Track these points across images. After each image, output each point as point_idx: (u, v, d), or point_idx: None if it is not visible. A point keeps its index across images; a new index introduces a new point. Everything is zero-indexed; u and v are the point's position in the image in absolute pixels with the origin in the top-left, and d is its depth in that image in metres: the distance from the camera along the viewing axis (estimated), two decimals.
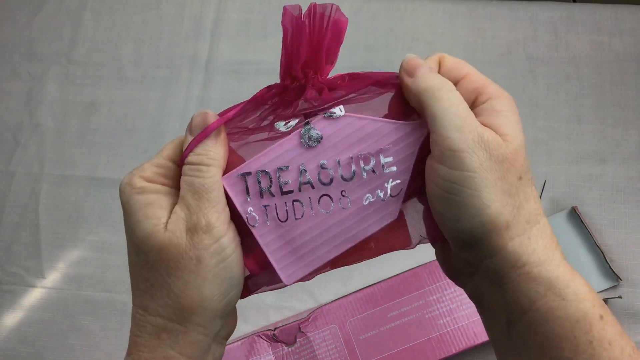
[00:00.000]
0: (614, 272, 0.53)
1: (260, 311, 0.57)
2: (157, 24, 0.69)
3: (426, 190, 0.29)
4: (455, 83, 0.30)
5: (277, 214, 0.30)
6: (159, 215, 0.29)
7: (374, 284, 0.54)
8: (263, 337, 0.53)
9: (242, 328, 0.56)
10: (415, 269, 0.54)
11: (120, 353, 0.57)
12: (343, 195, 0.31)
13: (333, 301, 0.54)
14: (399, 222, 0.32)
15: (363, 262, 0.32)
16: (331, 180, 0.30)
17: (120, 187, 0.30)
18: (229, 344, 0.54)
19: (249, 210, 0.30)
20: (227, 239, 0.29)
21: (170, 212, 0.29)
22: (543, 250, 0.28)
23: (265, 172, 0.30)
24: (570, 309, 0.27)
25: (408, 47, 0.65)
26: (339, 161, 0.30)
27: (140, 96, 0.66)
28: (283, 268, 0.31)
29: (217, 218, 0.29)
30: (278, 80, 0.32)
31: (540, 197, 0.56)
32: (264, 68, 0.65)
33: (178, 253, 0.28)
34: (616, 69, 0.61)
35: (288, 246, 0.31)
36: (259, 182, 0.30)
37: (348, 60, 0.65)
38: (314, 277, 0.32)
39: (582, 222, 0.54)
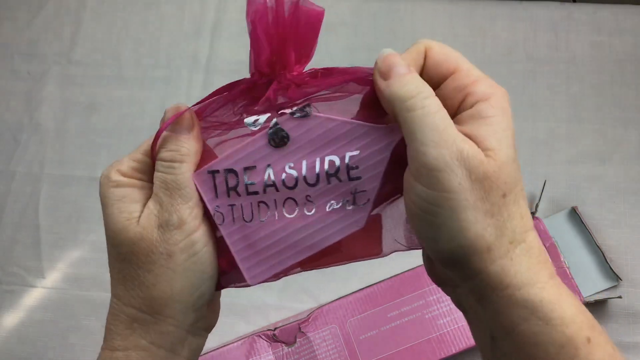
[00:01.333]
0: (614, 272, 0.53)
1: (260, 311, 0.57)
2: (157, 24, 0.69)
3: (404, 205, 0.28)
4: (443, 79, 0.28)
5: (242, 214, 0.30)
6: (132, 210, 0.29)
7: (374, 284, 0.54)
8: (263, 337, 0.53)
9: (242, 328, 0.56)
10: (415, 269, 0.54)
11: None
12: (308, 200, 0.29)
13: (333, 301, 0.54)
14: (370, 230, 0.30)
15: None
16: (296, 184, 0.29)
17: (100, 180, 0.30)
18: (229, 344, 0.54)
19: (216, 207, 0.30)
20: (198, 234, 0.29)
21: (144, 206, 0.30)
22: (526, 271, 0.26)
23: (233, 171, 0.30)
24: (555, 334, 0.25)
25: (408, 47, 0.65)
26: (305, 164, 0.29)
27: (140, 96, 0.66)
28: (248, 268, 0.31)
29: (189, 214, 0.29)
30: None
31: (540, 197, 0.56)
32: None
33: (148, 248, 0.29)
34: (616, 69, 0.61)
35: (253, 247, 0.30)
36: (227, 181, 0.30)
37: (348, 60, 0.65)
38: (281, 278, 0.31)
39: (582, 222, 0.54)
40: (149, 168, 0.31)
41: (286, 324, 0.54)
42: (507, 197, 0.26)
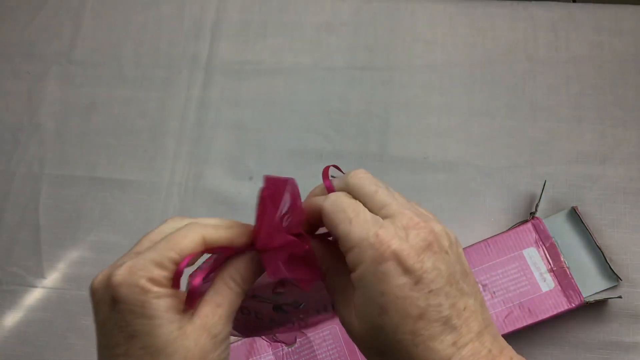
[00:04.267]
0: (614, 272, 0.53)
1: None
2: (157, 24, 0.69)
3: None
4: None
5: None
6: (179, 319, 0.29)
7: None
8: (263, 337, 0.53)
9: None
10: None
11: None
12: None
13: None
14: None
15: None
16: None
17: (122, 289, 0.28)
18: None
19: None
20: (228, 342, 0.31)
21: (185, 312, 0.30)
22: None
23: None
24: None
25: (408, 47, 0.65)
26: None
27: (140, 96, 0.66)
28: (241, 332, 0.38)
29: (229, 328, 0.31)
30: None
31: (540, 197, 0.56)
32: (264, 68, 0.65)
33: (201, 356, 0.29)
34: (616, 69, 0.61)
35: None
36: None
37: (348, 60, 0.65)
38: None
39: (582, 222, 0.54)
40: (176, 275, 0.30)
41: None
42: (385, 354, 0.28)
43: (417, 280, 0.27)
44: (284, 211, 0.30)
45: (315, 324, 0.37)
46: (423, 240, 0.27)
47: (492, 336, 0.28)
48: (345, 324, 0.30)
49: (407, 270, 0.26)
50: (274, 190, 0.30)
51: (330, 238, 0.33)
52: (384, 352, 0.28)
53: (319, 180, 0.32)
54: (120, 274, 0.28)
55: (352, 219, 0.28)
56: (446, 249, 0.28)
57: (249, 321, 0.36)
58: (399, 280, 0.26)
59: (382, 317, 0.27)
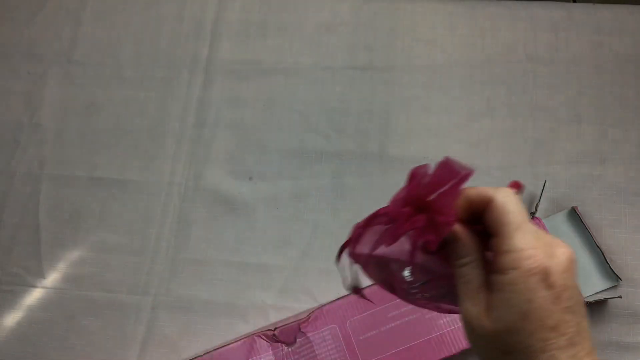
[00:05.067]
0: (614, 272, 0.53)
1: (260, 311, 0.57)
2: (157, 24, 0.69)
3: None
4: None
5: None
6: None
7: (374, 283, 0.54)
8: (263, 337, 0.53)
9: (242, 328, 0.56)
10: None
11: (121, 353, 0.57)
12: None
13: (333, 301, 0.54)
14: None
15: None
16: None
17: None
18: (229, 344, 0.54)
19: None
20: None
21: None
22: None
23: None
24: None
25: (408, 47, 0.65)
26: None
27: (140, 96, 0.66)
28: None
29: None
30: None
31: (540, 197, 0.56)
32: (264, 68, 0.65)
33: None
34: (616, 69, 0.61)
35: None
36: None
37: (348, 60, 0.65)
38: None
39: (582, 222, 0.54)
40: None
41: (286, 324, 0.54)
42: (511, 354, 0.30)
43: (557, 296, 0.29)
44: (437, 192, 0.30)
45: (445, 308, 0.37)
46: (567, 259, 0.30)
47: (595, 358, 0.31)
48: (468, 319, 0.31)
49: (551, 285, 0.29)
50: (440, 171, 0.30)
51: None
52: (510, 352, 0.30)
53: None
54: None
55: (519, 224, 0.30)
56: (575, 271, 0.31)
57: (387, 275, 0.36)
58: (544, 293, 0.29)
59: (523, 322, 0.29)
